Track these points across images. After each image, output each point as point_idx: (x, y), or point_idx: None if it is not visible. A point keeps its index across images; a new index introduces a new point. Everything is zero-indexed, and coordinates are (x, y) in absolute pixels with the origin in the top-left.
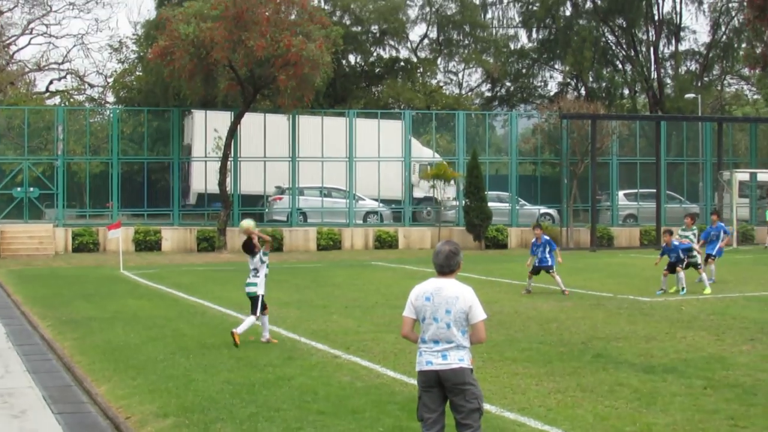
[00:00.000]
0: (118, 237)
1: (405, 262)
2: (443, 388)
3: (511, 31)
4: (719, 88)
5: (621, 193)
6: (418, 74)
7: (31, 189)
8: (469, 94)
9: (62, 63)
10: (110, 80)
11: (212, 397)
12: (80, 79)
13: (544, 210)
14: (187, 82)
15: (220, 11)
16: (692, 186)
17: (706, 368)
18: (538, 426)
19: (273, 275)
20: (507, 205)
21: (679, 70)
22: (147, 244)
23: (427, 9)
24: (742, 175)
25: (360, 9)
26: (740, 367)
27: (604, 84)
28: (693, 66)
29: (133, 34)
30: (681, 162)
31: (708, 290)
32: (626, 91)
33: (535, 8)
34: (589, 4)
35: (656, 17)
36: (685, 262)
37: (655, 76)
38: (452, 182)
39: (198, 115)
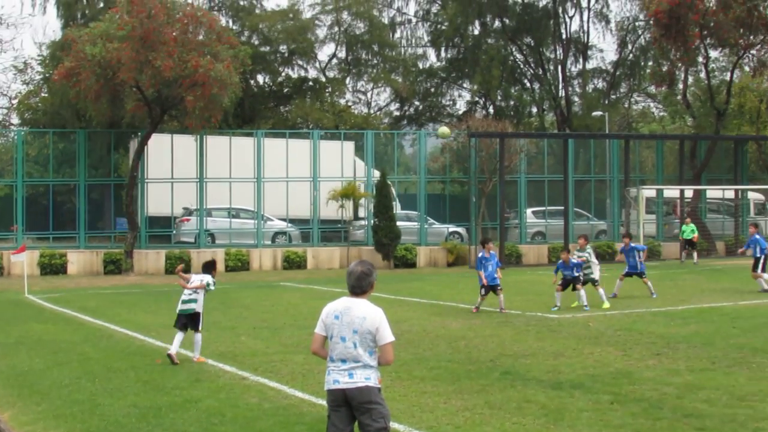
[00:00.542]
0: (23, 261)
1: (314, 282)
2: (351, 408)
3: (420, 50)
4: (626, 105)
5: (529, 211)
6: (327, 94)
7: None
8: (378, 113)
9: None
10: (15, 102)
11: (118, 422)
12: None
13: (452, 228)
14: (93, 103)
15: (127, 31)
16: (600, 203)
17: (613, 383)
18: None
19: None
20: (416, 224)
21: (587, 88)
22: (52, 267)
23: (336, 29)
24: (648, 192)
25: (268, 29)
26: (646, 381)
27: (512, 102)
28: (600, 84)
29: (39, 55)
30: (588, 179)
31: (606, 304)
32: (534, 109)
33: (443, 27)
34: (497, 24)
35: (564, 36)
36: (581, 280)
37: (563, 94)
38: (361, 201)
39: (154, 137)
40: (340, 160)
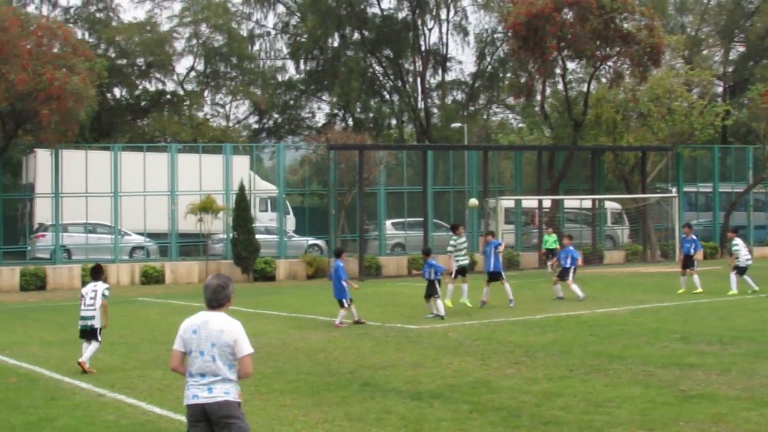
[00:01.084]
0: None
1: (172, 297)
2: (211, 423)
3: (279, 63)
4: (485, 117)
5: (389, 223)
6: (185, 107)
7: None
8: (237, 126)
9: None
10: None
11: None
12: None
13: (312, 241)
14: None
15: None
16: (459, 214)
17: (473, 393)
18: None
19: (36, 314)
20: (275, 237)
21: (446, 100)
22: None
23: (194, 41)
24: (507, 203)
25: (125, 41)
26: (505, 390)
27: (371, 114)
28: (459, 96)
29: None
30: (448, 190)
31: (463, 299)
32: (393, 121)
33: (302, 40)
34: (356, 36)
35: (423, 48)
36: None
37: (422, 106)
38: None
39: (41, 153)
40: (199, 174)
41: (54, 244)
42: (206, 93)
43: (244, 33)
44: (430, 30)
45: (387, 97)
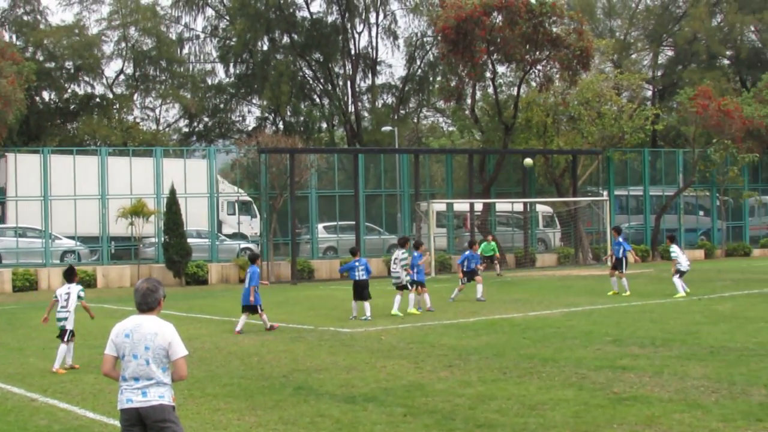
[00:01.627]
0: None
1: (104, 301)
2: (145, 427)
3: (209, 66)
4: (416, 120)
5: (320, 226)
6: (114, 110)
7: None
8: (167, 129)
9: None
10: None
11: None
12: None
13: (244, 244)
14: None
15: None
16: (391, 217)
17: (406, 396)
18: None
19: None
20: (207, 240)
21: (376, 104)
22: None
23: (123, 44)
24: (439, 206)
25: (54, 45)
26: (439, 393)
27: (302, 118)
28: (390, 99)
29: None
30: (379, 194)
31: (394, 311)
32: (324, 125)
33: (232, 43)
34: (286, 39)
35: (353, 52)
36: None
37: (353, 110)
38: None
39: (11, 156)
40: (129, 177)
41: None
42: (136, 96)
43: (173, 36)
44: (359, 34)
45: (317, 100)
